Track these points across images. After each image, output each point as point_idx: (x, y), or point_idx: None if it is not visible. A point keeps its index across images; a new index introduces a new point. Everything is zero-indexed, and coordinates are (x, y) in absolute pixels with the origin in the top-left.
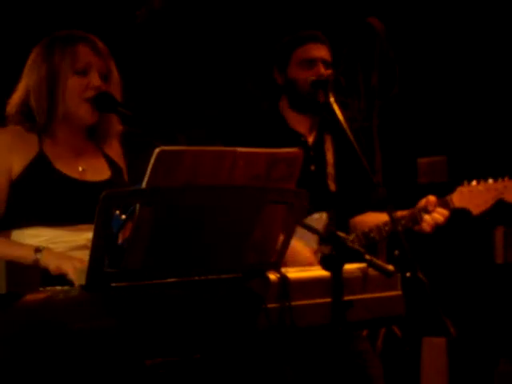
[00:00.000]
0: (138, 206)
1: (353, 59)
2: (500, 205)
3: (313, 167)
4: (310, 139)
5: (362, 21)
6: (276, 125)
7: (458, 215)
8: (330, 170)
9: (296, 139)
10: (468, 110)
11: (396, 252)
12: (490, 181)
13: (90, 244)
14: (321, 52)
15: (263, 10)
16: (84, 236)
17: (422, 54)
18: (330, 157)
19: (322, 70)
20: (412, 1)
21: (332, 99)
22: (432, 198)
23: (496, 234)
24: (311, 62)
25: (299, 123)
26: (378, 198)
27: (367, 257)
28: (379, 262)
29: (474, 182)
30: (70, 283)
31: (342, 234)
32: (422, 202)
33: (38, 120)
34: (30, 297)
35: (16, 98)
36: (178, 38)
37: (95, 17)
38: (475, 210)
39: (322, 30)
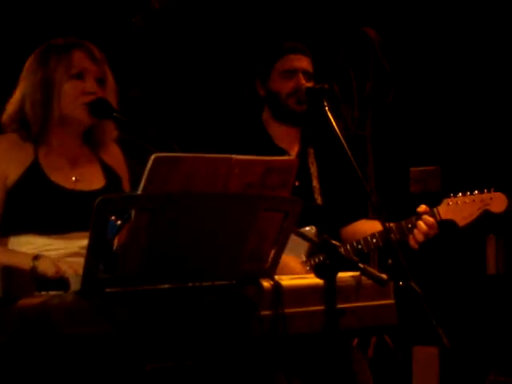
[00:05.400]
0: (133, 211)
1: (347, 68)
2: (489, 216)
3: (297, 183)
4: (294, 154)
5: (357, 30)
6: (259, 140)
7: (448, 227)
8: (315, 183)
9: (280, 156)
10: (462, 120)
11: (389, 261)
12: (476, 192)
13: (82, 251)
14: (301, 63)
15: (258, 21)
16: (76, 244)
17: (416, 64)
18: (313, 170)
19: (303, 81)
20: (406, 11)
21: (326, 107)
22: (424, 206)
23: (488, 245)
24: (292, 73)
25: (282, 136)
26: (371, 206)
27: (361, 265)
28: (373, 271)
29: (459, 194)
30: (66, 288)
31: (335, 243)
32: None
33: (33, 127)
34: (24, 301)
35: (11, 105)
36: (172, 45)
37: (92, 24)
38: (461, 221)
39: (315, 39)
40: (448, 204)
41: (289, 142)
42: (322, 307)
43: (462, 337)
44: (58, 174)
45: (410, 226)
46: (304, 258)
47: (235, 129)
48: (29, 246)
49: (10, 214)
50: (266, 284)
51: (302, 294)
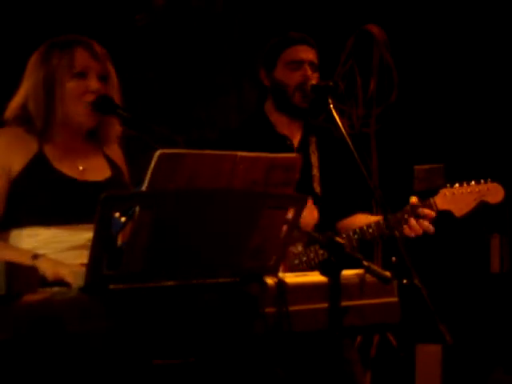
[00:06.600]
0: (137, 208)
1: (351, 66)
2: (487, 207)
3: None
4: (295, 142)
5: (362, 27)
6: (262, 127)
7: (445, 217)
8: (315, 172)
9: (282, 142)
10: (466, 118)
11: (393, 258)
12: (473, 183)
13: (89, 244)
14: (308, 54)
15: (261, 15)
16: (83, 236)
17: (421, 61)
18: (314, 160)
19: (309, 73)
20: (410, 7)
21: (331, 105)
22: (414, 199)
23: (492, 243)
24: (298, 64)
25: (284, 125)
26: (376, 203)
27: (365, 263)
28: (377, 269)
29: (456, 185)
30: (68, 285)
31: (340, 240)
32: (407, 207)
33: (36, 124)
34: (28, 298)
35: (15, 102)
36: (176, 41)
37: (96, 20)
38: (458, 212)
39: (320, 35)
40: (445, 194)
41: (291, 130)
42: (326, 305)
43: (465, 335)
44: (64, 163)
45: (406, 216)
46: (300, 249)
47: (240, 119)
48: (33, 239)
49: (14, 206)
50: (270, 281)
51: (306, 291)
